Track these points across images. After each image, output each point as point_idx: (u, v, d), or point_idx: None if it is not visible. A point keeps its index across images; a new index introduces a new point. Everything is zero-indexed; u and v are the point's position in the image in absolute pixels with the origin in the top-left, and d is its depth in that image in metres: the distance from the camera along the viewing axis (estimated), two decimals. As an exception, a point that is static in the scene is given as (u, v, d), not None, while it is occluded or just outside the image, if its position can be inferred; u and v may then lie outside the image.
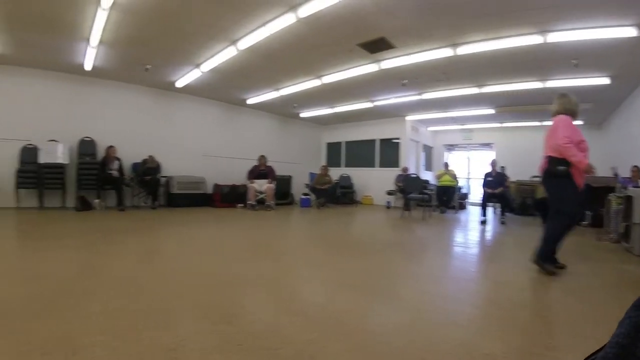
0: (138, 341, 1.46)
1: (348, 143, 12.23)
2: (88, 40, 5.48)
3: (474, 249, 4.32)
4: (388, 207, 10.07)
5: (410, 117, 10.51)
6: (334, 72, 6.69)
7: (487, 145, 12.01)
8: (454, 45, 5.14)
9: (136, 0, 4.37)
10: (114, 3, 4.33)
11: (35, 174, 6.89)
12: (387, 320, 1.83)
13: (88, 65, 6.88)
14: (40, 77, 7.34)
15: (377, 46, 5.40)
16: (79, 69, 7.20)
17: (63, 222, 5.41)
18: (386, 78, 6.78)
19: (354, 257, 3.57)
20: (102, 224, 5.26)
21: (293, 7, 4.27)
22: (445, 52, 5.32)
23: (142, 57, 6.39)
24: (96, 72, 7.34)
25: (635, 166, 5.70)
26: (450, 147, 13.01)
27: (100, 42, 5.50)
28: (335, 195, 10.32)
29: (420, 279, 2.85)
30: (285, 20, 4.58)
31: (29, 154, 7.07)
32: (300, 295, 2.32)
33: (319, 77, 6.98)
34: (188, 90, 8.41)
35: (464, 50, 5.19)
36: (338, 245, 4.39)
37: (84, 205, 7.20)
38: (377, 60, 5.97)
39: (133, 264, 3.05)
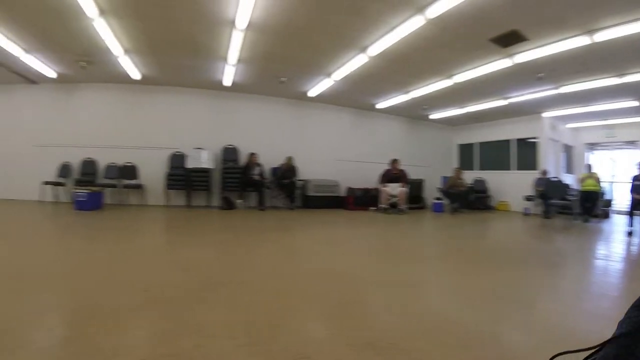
0: (274, 338, 2.08)
1: (481, 144, 15.18)
2: (226, 59, 8.49)
3: (621, 264, 5.01)
4: (526, 214, 12.05)
5: (547, 114, 12.64)
6: (465, 71, 8.62)
7: (632, 144, 13.58)
8: (590, 32, 6.21)
9: (268, 20, 6.37)
10: (248, 24, 6.39)
11: (183, 177, 10.98)
12: (532, 337, 2.29)
13: (227, 82, 10.49)
14: (185, 94, 11.86)
15: (509, 40, 6.74)
16: (219, 85, 11.38)
17: (211, 219, 8.13)
18: (520, 73, 8.43)
19: (491, 268, 4.33)
20: (247, 222, 7.82)
21: (420, 9, 5.63)
22: (581, 41, 6.47)
23: (277, 71, 9.49)
24: (235, 87, 11.04)
25: None
26: (592, 147, 14.98)
27: (239, 60, 8.44)
28: (469, 200, 12.93)
29: (564, 293, 3.48)
30: (413, 23, 6.02)
31: (177, 160, 11.51)
32: (440, 303, 3.00)
33: (450, 76, 9.13)
34: (320, 98, 12.07)
35: (601, 36, 6.21)
36: (475, 254, 5.39)
37: (228, 205, 11.31)
38: (510, 55, 7.48)
39: (279, 259, 4.37)
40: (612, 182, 14.26)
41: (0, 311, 2.34)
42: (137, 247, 5.04)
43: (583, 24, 6.15)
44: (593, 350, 0.90)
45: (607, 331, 1.98)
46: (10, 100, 11.05)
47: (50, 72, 9.81)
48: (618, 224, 10.12)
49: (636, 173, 8.36)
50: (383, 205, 11.18)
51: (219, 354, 1.87)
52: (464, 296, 3.21)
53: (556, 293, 3.55)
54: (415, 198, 12.53)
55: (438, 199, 12.56)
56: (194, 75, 10.24)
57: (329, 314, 2.59)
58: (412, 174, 12.40)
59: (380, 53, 7.58)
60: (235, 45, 7.52)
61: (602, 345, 0.87)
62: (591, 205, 10.55)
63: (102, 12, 6.76)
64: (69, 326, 2.22)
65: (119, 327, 2.17)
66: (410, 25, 6.25)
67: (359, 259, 4.63)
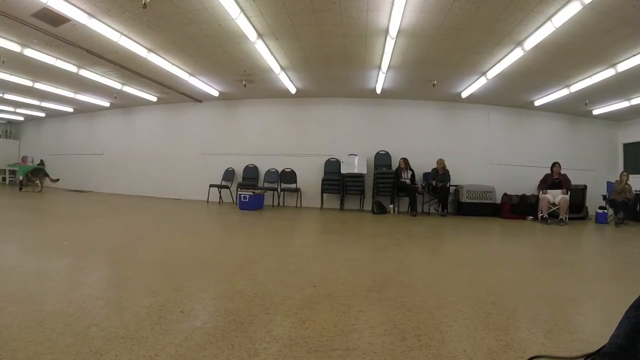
0: (461, 338, 2.22)
1: None
2: (378, 67, 8.98)
3: None
4: None
5: None
6: (628, 58, 7.90)
7: None
8: None
9: (420, 24, 6.62)
10: (399, 31, 6.60)
11: (337, 182, 12.04)
12: None
13: (378, 89, 11.18)
14: (338, 103, 13.12)
15: None
16: (370, 93, 12.16)
17: (365, 223, 8.54)
18: None
19: None
20: (400, 227, 8.04)
21: None
22: None
23: (428, 74, 9.71)
24: (385, 93, 11.74)
25: None
26: None
27: (389, 67, 8.74)
28: (636, 210, 11.20)
29: None
30: (570, 10, 5.76)
31: (332, 165, 12.58)
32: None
33: (613, 65, 8.45)
34: (473, 99, 11.91)
35: None
36: None
37: (380, 209, 11.79)
38: None
39: (439, 265, 4.61)
40: None
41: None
42: (299, 245, 5.85)
43: None
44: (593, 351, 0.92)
45: None
46: (180, 116, 14.29)
47: (213, 92, 12.23)
48: None
49: None
50: (542, 215, 10.42)
51: (391, 355, 2.03)
52: None
53: None
54: (576, 207, 11.32)
55: (602, 208, 11.13)
56: (345, 84, 11.11)
57: (485, 322, 2.64)
58: (575, 179, 11.32)
59: (537, 45, 7.33)
60: (387, 53, 7.88)
61: (597, 350, 0.93)
62: None
63: (260, 36, 7.96)
64: (245, 313, 2.60)
65: (294, 317, 2.55)
66: (567, 13, 5.99)
67: (513, 274, 4.43)
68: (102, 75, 10.33)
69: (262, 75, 9.89)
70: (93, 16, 6.51)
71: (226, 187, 12.55)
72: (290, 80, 10.39)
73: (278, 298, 2.89)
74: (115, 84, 11.16)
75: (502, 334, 2.36)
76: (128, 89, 11.72)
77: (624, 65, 8.37)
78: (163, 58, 8.88)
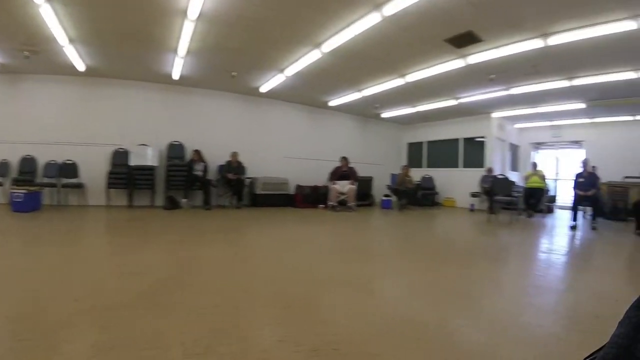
0: (231, 341, 2.08)
1: (430, 143, 15.66)
2: (176, 51, 7.95)
3: (566, 257, 5.28)
4: (471, 210, 12.70)
5: (496, 114, 13.16)
6: (418, 70, 8.68)
7: (576, 143, 14.61)
8: (545, 35, 6.42)
9: (222, 11, 6.10)
10: (200, 14, 6.06)
11: (125, 175, 10.15)
12: (483, 332, 2.39)
13: (176, 75, 9.80)
14: (130, 87, 11.12)
15: (464, 40, 6.87)
16: (167, 79, 10.73)
17: (155, 220, 7.70)
18: (472, 73, 8.65)
19: (442, 263, 4.53)
20: (192, 222, 7.48)
21: (378, 6, 5.55)
22: (535, 43, 6.65)
23: (228, 65, 9.09)
24: (183, 80, 10.37)
25: None
26: (538, 146, 15.90)
27: (188, 52, 7.91)
28: (417, 197, 13.30)
29: (512, 287, 3.66)
30: (370, 20, 5.95)
31: (120, 157, 10.78)
32: (394, 300, 3.09)
33: (403, 75, 9.19)
34: (271, 94, 11.73)
35: (555, 40, 6.45)
36: (424, 249, 5.65)
37: (172, 204, 10.67)
38: (464, 55, 7.62)
39: (226, 260, 4.25)
40: (557, 179, 15.40)
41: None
42: (72, 252, 4.75)
43: (538, 27, 6.35)
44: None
45: (549, 323, 2.69)
46: None
47: None
48: (562, 218, 10.87)
49: (580, 171, 9.09)
50: (332, 203, 11.20)
51: None
52: (413, 293, 3.36)
53: (502, 287, 3.79)
54: (364, 195, 12.78)
55: (387, 196, 12.92)
56: (140, 66, 9.59)
57: (278, 318, 2.58)
58: (362, 172, 12.53)
59: (335, 49, 7.47)
60: (186, 36, 7.16)
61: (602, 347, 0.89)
62: (535, 201, 11.33)
63: None
64: None
65: (50, 341, 2.06)
66: (367, 22, 6.19)
67: (309, 258, 4.67)
68: None
69: (47, 45, 7.94)
70: None
71: None
72: (80, 56, 8.64)
73: (32, 319, 2.31)
74: None
75: (280, 328, 2.42)
76: None
77: (412, 77, 9.25)
78: None
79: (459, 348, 2.16)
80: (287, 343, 2.12)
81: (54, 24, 6.99)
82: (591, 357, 0.96)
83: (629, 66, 7.86)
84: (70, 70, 9.79)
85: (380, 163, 15.25)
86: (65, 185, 9.96)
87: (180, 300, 2.77)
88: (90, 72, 10.21)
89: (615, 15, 5.71)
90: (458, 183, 14.29)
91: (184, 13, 6.32)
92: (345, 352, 2.02)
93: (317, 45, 7.50)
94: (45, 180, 9.73)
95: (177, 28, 6.99)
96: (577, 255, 5.74)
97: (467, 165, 14.44)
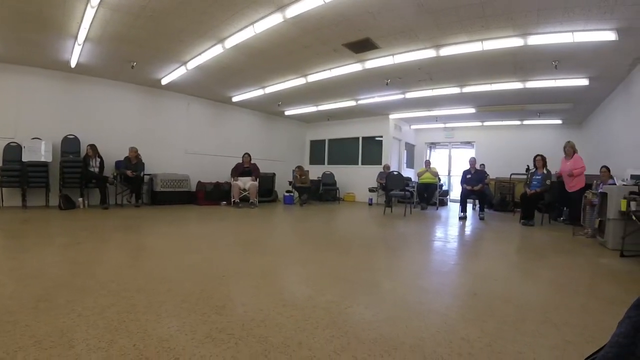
0: (131, 334, 2.12)
1: (331, 141, 16.46)
2: (75, 37, 7.25)
3: (453, 244, 5.76)
4: (370, 204, 13.41)
5: (393, 116, 14.09)
6: (319, 71, 8.93)
7: (468, 144, 16.37)
8: (437, 46, 6.86)
9: None
10: (102, 1, 5.67)
11: (18, 172, 8.85)
12: (371, 310, 2.60)
13: (73, 62, 8.69)
14: (24, 74, 9.76)
15: (362, 46, 7.17)
16: (64, 66, 9.21)
17: (48, 221, 7.14)
18: (370, 77, 9.09)
19: (337, 252, 4.73)
20: (87, 223, 7.01)
21: (281, 8, 5.71)
22: (428, 53, 7.07)
23: (129, 55, 8.51)
24: (81, 68, 9.39)
25: (604, 166, 7.38)
26: (433, 145, 17.53)
27: (87, 39, 7.25)
28: (318, 193, 13.95)
29: (402, 272, 3.91)
30: (273, 20, 6.05)
31: (12, 152, 9.06)
32: (288, 288, 3.23)
33: (305, 75, 9.36)
34: (173, 87, 11.25)
35: (447, 51, 6.88)
36: (321, 241, 5.81)
37: (68, 204, 9.78)
38: (362, 60, 7.97)
39: (122, 261, 4.17)
40: (450, 175, 16.89)
41: None
42: None
43: (432, 38, 6.79)
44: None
45: (435, 303, 3.05)
46: None
47: None
48: (453, 210, 11.86)
49: (467, 168, 10.18)
50: (235, 200, 11.14)
51: None
52: (307, 280, 3.53)
53: (391, 272, 4.07)
54: (267, 191, 13.00)
55: (289, 192, 13.18)
56: (37, 52, 8.74)
57: (174, 311, 2.64)
58: (265, 169, 12.72)
59: (237, 45, 7.46)
60: (85, 22, 6.65)
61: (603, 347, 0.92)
62: (428, 195, 12.44)
63: None
64: None
65: None
66: (269, 22, 6.30)
67: (208, 255, 4.68)
68: None
69: None
70: None
71: None
72: None
73: None
74: None
75: (176, 320, 2.51)
76: None
77: (314, 77, 9.43)
78: None
79: (344, 325, 2.37)
80: (184, 332, 2.23)
81: None
82: (592, 357, 0.98)
83: (515, 77, 8.66)
84: None
85: (284, 159, 15.64)
86: None
87: (78, 301, 2.75)
88: None
89: (504, 32, 6.26)
90: (357, 179, 15.15)
91: (85, -3, 5.49)
92: (239, 336, 2.17)
93: (221, 40, 7.44)
94: None
95: (79, 13, 6.50)
96: (463, 242, 6.24)
97: (365, 162, 15.32)
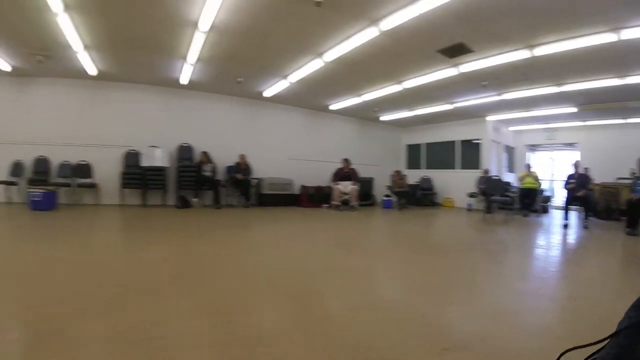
0: (255, 310, 2.56)
1: (428, 145, 16.16)
2: (185, 58, 8.51)
3: (555, 252, 5.65)
4: (469, 210, 13.18)
5: (491, 118, 13.61)
6: (414, 77, 9.23)
7: (570, 145, 14.99)
8: (530, 46, 6.88)
9: (231, 23, 6.62)
10: (212, 26, 6.61)
11: (138, 176, 10.67)
12: (457, 313, 2.66)
13: (184, 80, 10.32)
14: (141, 91, 11.67)
15: (455, 51, 7.40)
16: (175, 83, 10.96)
17: (168, 218, 8.19)
18: (465, 80, 9.15)
19: (435, 256, 4.80)
20: (204, 220, 8.02)
21: (375, 22, 6.14)
22: (522, 54, 7.13)
23: (235, 71, 9.70)
24: (192, 85, 10.87)
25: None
26: (533, 148, 16.34)
27: (197, 59, 8.46)
28: (416, 197, 14.10)
29: (500, 277, 3.93)
30: (368, 34, 6.52)
31: (132, 158, 11.32)
32: (384, 290, 3.34)
33: (400, 82, 9.72)
34: (275, 99, 12.32)
35: (540, 51, 6.91)
36: (418, 244, 5.93)
37: (183, 203, 11.27)
38: (456, 65, 8.13)
39: (239, 252, 4.75)
40: (551, 180, 15.61)
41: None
42: (101, 245, 5.27)
43: (524, 39, 6.83)
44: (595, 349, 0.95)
45: (535, 309, 2.95)
46: None
47: (5, 66, 9.33)
48: (555, 217, 11.28)
49: (572, 172, 9.33)
50: (335, 203, 11.76)
51: (209, 333, 2.20)
52: (413, 283, 3.61)
53: (495, 277, 4.02)
54: (365, 195, 13.30)
55: (387, 196, 13.47)
56: (151, 71, 10.16)
57: (278, 305, 2.88)
58: (363, 173, 13.11)
59: (336, 59, 7.99)
60: (197, 45, 7.66)
61: (604, 339, 0.92)
62: (530, 201, 11.69)
63: (67, 8, 6.66)
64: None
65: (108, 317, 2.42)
66: (365, 36, 6.70)
67: (314, 252, 5.02)
68: None
69: (61, 51, 8.34)
70: None
71: (13, 183, 9.87)
72: (92, 61, 9.02)
73: (86, 299, 2.72)
74: None
75: (302, 302, 2.87)
76: None
77: (409, 83, 9.77)
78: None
79: (449, 333, 2.37)
80: (294, 329, 2.39)
81: (70, 32, 7.44)
82: (592, 358, 0.98)
83: (612, 73, 8.32)
84: (82, 74, 9.88)
85: (380, 164, 15.72)
86: (80, 185, 10.42)
87: (202, 283, 3.21)
88: (101, 76, 10.61)
89: (596, 29, 6.14)
90: (456, 184, 14.72)
91: (194, 24, 6.78)
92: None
93: (319, 54, 8.02)
94: (60, 180, 10.16)
95: (188, 39, 7.47)
96: (566, 250, 6.04)
97: (464, 166, 14.95)
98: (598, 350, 0.94)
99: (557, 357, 1.02)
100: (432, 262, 4.50)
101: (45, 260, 3.96)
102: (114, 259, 4.20)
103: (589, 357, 0.97)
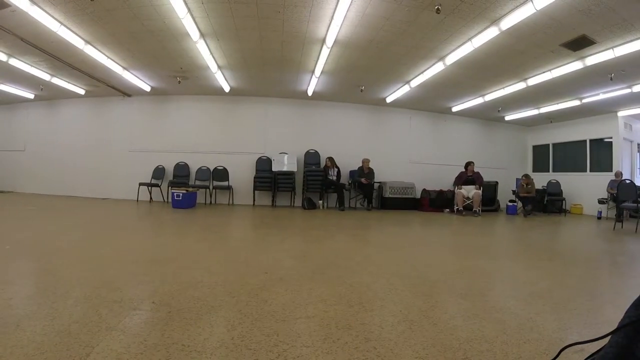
0: (395, 303, 2.79)
1: (555, 145, 15.28)
2: (312, 71, 9.61)
3: None
4: (599, 218, 11.98)
5: (622, 113, 12.59)
6: (538, 74, 9.22)
7: None
8: None
9: (355, 37, 7.37)
10: (335, 41, 7.29)
11: (269, 179, 12.32)
12: (581, 331, 2.51)
13: (310, 91, 11.76)
14: (270, 103, 13.41)
15: (578, 44, 7.32)
16: (301, 94, 12.52)
17: (297, 218, 9.00)
18: (591, 74, 8.88)
19: (560, 265, 4.75)
20: (330, 221, 8.67)
21: (495, 21, 6.35)
22: None
23: (358, 80, 10.53)
24: (316, 95, 12.32)
25: None
26: None
27: (322, 72, 9.39)
28: (543, 203, 13.40)
29: (626, 291, 3.62)
30: (489, 34, 6.70)
31: (263, 163, 12.96)
32: (505, 300, 3.13)
33: (524, 79, 9.72)
34: (396, 104, 13.04)
35: None
36: (544, 253, 5.81)
37: (310, 205, 12.52)
38: (581, 58, 8.01)
39: (369, 251, 5.28)
40: None
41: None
42: (241, 239, 6.19)
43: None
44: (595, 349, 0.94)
45: None
46: (108, 111, 13.29)
47: (145, 86, 11.59)
48: None
49: None
50: (458, 207, 11.81)
51: (344, 317, 2.50)
52: (538, 292, 3.48)
53: (616, 291, 3.76)
54: (489, 200, 13.07)
55: (512, 201, 12.96)
56: (279, 85, 11.55)
57: (413, 291, 3.21)
58: (487, 177, 12.90)
59: (457, 61, 8.32)
60: (321, 60, 8.54)
61: (604, 336, 0.93)
62: None
63: (202, 35, 8.17)
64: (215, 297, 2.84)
65: (256, 298, 2.87)
66: (486, 36, 6.92)
67: (434, 254, 5.27)
68: (31, 65, 9.66)
69: (198, 72, 10.11)
70: (36, 4, 6.23)
71: (156, 185, 12.10)
72: (226, 79, 10.72)
73: (237, 284, 3.14)
74: (44, 75, 10.37)
75: (428, 298, 2.98)
76: (57, 81, 10.88)
77: (534, 80, 9.72)
78: (99, 51, 8.52)
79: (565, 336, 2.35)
80: (438, 307, 2.75)
81: (207, 56, 8.70)
82: (591, 357, 0.99)
83: None
84: (216, 91, 12.12)
85: (505, 167, 15.36)
86: (216, 187, 12.47)
87: (347, 276, 3.59)
88: (233, 92, 12.66)
89: None
90: (585, 188, 13.77)
91: (321, 41, 7.66)
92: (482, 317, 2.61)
93: (441, 58, 8.47)
94: (198, 183, 12.39)
95: (315, 54, 8.44)
96: None
97: (594, 169, 13.87)
98: (598, 350, 0.97)
99: (557, 352, 1.08)
100: (566, 275, 4.39)
101: (200, 250, 4.87)
102: (255, 252, 4.94)
103: (589, 357, 1.00)
